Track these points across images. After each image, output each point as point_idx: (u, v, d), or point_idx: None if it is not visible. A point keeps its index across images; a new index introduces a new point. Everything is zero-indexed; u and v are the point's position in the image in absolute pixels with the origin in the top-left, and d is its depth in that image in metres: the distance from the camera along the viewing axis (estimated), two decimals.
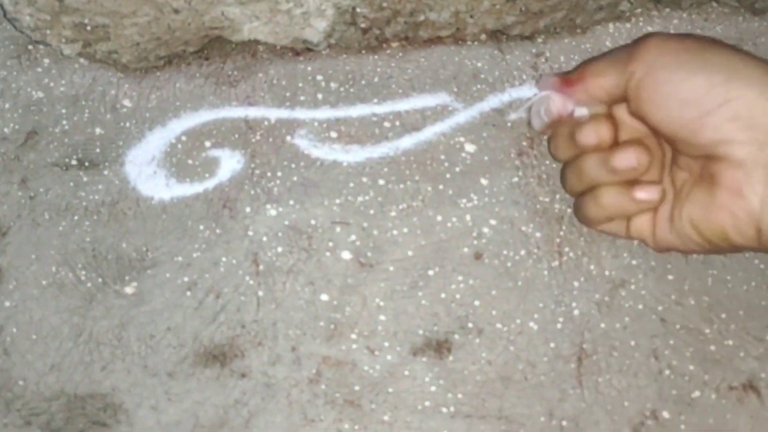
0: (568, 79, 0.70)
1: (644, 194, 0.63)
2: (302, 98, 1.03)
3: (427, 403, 0.85)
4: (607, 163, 0.64)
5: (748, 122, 0.53)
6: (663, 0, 1.11)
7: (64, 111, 1.01)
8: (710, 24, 1.13)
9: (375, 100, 1.03)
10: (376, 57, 1.07)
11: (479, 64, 1.08)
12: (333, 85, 1.05)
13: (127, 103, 1.01)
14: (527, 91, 1.05)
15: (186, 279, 0.91)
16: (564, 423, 0.84)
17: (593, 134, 0.64)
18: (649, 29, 1.11)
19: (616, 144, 0.65)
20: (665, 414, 0.85)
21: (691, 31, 1.11)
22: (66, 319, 0.87)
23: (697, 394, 0.86)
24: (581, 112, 0.65)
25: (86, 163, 0.97)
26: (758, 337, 0.88)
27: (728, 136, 0.55)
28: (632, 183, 0.65)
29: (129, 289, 0.90)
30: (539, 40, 1.10)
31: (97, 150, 0.98)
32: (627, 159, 0.62)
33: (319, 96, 1.03)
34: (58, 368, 0.85)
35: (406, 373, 0.87)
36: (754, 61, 0.56)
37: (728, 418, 0.84)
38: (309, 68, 1.07)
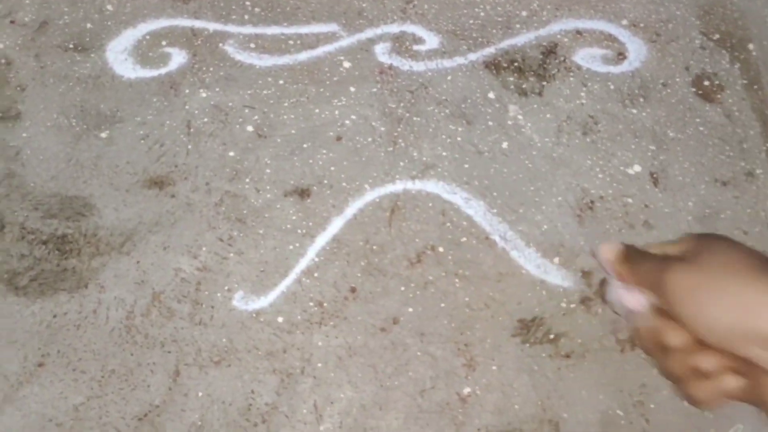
0: (623, 276, 0.64)
1: (730, 383, 0.60)
2: (233, 17, 1.46)
3: (288, 226, 1.32)
4: (692, 362, 0.61)
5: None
6: None
7: (66, 9, 1.44)
8: None
9: (285, 24, 1.46)
10: None
11: (364, 5, 1.50)
12: (257, 9, 1.47)
13: (110, 7, 1.44)
14: (395, 27, 1.47)
15: (141, 132, 1.36)
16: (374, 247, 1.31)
17: (679, 339, 0.61)
18: None
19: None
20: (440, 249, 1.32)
21: None
22: (62, 149, 1.34)
23: (464, 239, 1.33)
24: (645, 304, 0.61)
25: (79, 48, 1.41)
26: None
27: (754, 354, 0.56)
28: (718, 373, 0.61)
29: (103, 135, 1.35)
30: None
31: (87, 39, 1.42)
32: (707, 362, 0.60)
33: (246, 17, 1.46)
34: (56, 178, 1.32)
35: (278, 206, 1.34)
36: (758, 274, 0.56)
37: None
38: None
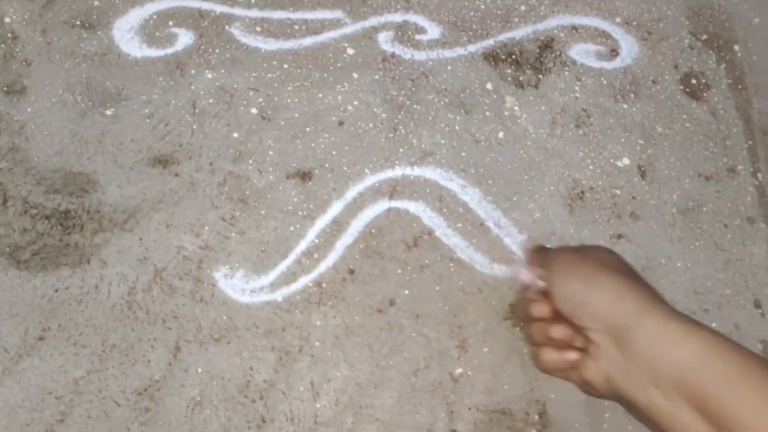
0: (532, 258, 0.82)
1: (570, 356, 0.74)
2: (240, 0, 1.46)
3: (290, 207, 1.33)
4: (547, 331, 0.75)
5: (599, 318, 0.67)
6: None
7: None
8: None
9: (291, 9, 1.46)
10: None
11: None
12: None
13: None
14: (398, 17, 1.49)
15: (146, 111, 1.36)
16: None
17: (539, 310, 0.77)
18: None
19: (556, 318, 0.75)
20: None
21: None
22: (66, 125, 1.32)
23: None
24: (538, 285, 0.77)
25: (86, 25, 1.40)
26: None
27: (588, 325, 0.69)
28: (564, 346, 0.75)
29: (109, 112, 1.35)
30: None
31: (95, 16, 1.41)
32: (558, 331, 0.74)
33: (253, 0, 1.46)
34: (59, 153, 1.31)
35: (280, 188, 1.34)
36: (615, 276, 0.70)
37: None
38: None
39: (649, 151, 1.43)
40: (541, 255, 0.83)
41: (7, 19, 1.35)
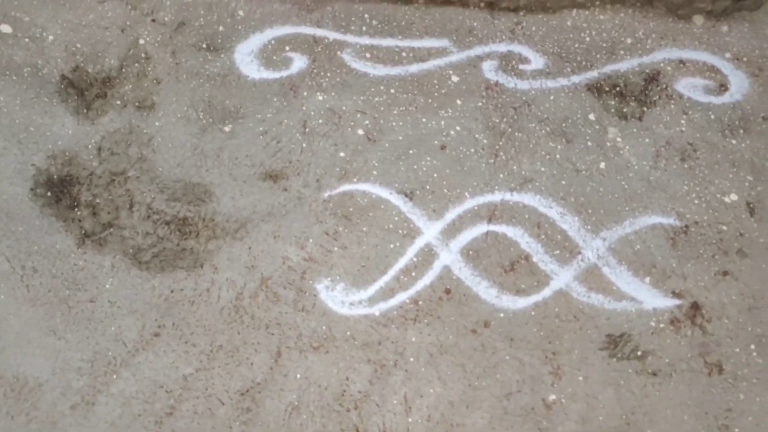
0: None
1: None
2: (353, 28, 1.54)
3: (390, 226, 1.38)
4: None
5: None
6: None
7: (202, 12, 1.55)
8: (647, 20, 1.59)
9: (399, 37, 1.54)
10: (406, 8, 1.56)
11: (474, 23, 1.56)
12: (374, 22, 1.55)
13: (241, 12, 1.55)
14: (503, 47, 1.54)
15: (261, 128, 1.46)
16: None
17: None
18: (601, 18, 1.58)
19: None
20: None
21: (632, 24, 1.57)
22: (189, 139, 1.44)
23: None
24: None
25: (211, 48, 1.53)
26: None
27: None
28: None
29: (227, 128, 1.46)
30: (520, 13, 1.58)
31: (219, 40, 1.54)
32: None
33: (364, 28, 1.54)
34: (181, 165, 1.42)
35: (382, 206, 1.40)
36: None
37: None
38: (361, 8, 1.56)
39: (759, 188, 1.41)
40: None
41: (141, 41, 1.49)
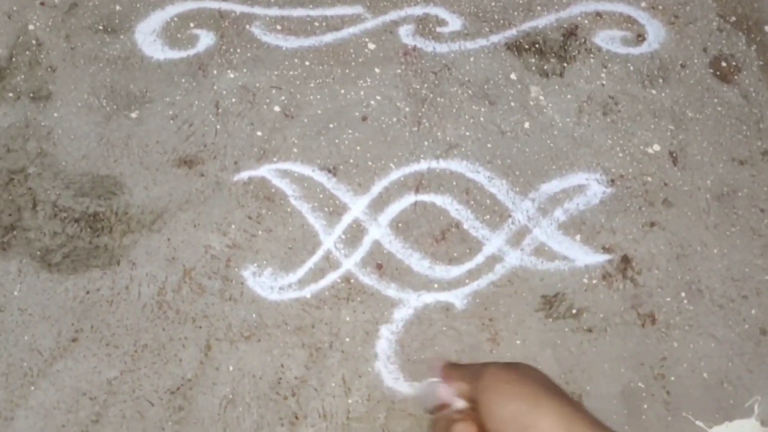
0: (449, 374, 0.75)
1: None
2: None
3: (316, 204, 1.35)
4: None
5: None
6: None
7: None
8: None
9: (310, 6, 1.48)
10: None
11: None
12: None
13: None
14: (418, 9, 1.50)
15: (170, 112, 1.39)
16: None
17: (464, 430, 0.70)
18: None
19: None
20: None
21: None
22: (92, 128, 1.36)
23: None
24: (459, 403, 0.71)
25: (109, 29, 1.44)
26: None
27: None
28: None
29: (133, 115, 1.38)
30: None
31: (117, 21, 1.45)
32: None
33: None
34: (86, 157, 1.34)
35: (306, 185, 1.37)
36: (557, 397, 0.66)
37: None
38: None
39: (681, 137, 1.43)
40: (461, 371, 0.75)
41: (30, 27, 1.39)
